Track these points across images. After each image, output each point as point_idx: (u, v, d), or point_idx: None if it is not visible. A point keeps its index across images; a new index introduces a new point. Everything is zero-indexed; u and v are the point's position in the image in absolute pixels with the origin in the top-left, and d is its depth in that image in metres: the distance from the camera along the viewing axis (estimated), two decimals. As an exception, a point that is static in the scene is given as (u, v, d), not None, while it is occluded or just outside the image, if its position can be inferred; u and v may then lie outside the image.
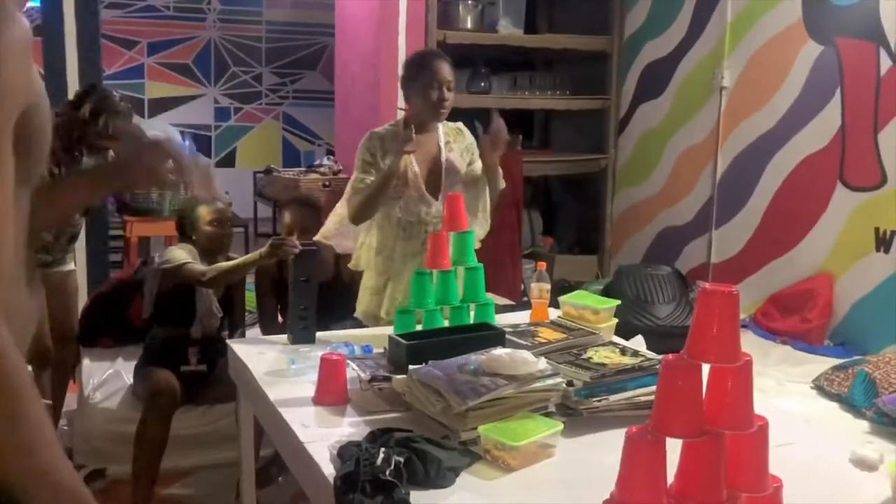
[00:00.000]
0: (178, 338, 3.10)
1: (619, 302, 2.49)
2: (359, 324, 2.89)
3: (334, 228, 3.02)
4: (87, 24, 4.52)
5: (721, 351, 1.22)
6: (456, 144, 2.89)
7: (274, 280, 3.17)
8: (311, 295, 2.47)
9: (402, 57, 4.67)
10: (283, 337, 2.51)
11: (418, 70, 2.75)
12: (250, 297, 4.02)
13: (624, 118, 5.28)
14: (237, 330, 3.30)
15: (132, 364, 3.27)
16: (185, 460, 3.14)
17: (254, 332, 3.42)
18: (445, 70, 2.73)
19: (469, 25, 4.98)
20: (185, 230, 3.19)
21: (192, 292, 3.08)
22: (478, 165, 2.90)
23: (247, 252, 6.36)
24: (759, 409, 1.27)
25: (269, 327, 3.20)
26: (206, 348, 3.12)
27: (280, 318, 3.22)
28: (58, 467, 0.90)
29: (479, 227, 2.89)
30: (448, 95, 2.74)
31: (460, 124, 2.96)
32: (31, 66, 0.97)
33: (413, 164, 2.77)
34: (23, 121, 0.95)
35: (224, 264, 2.99)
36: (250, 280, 3.44)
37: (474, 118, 5.51)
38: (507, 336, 2.17)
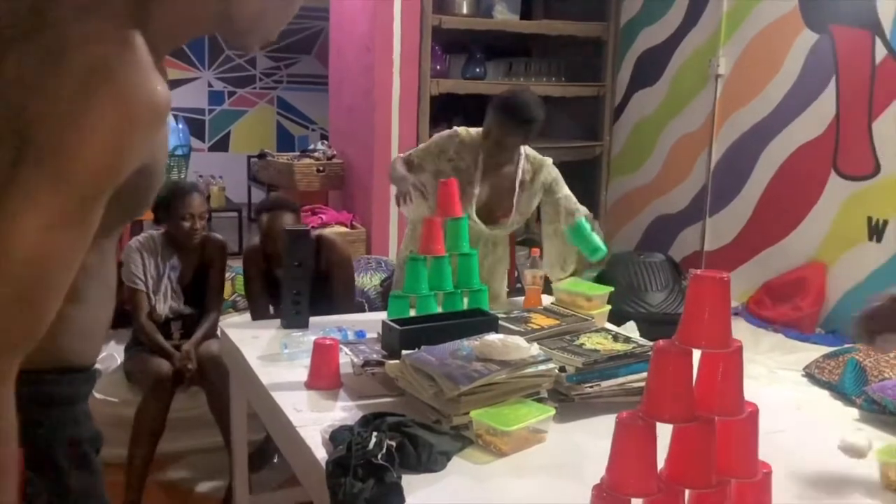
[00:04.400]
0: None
1: (612, 289, 2.50)
2: None
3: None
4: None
5: (712, 337, 1.22)
6: (537, 179, 2.77)
7: (262, 271, 3.11)
8: (304, 279, 2.47)
9: (397, 42, 4.65)
10: (276, 321, 2.51)
11: (502, 115, 2.62)
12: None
13: (619, 106, 5.27)
14: (211, 312, 3.24)
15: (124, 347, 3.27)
16: (177, 444, 3.14)
17: (245, 316, 3.41)
18: (521, 137, 2.64)
19: (465, 11, 4.95)
20: (159, 217, 3.17)
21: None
22: (564, 194, 2.79)
23: (240, 237, 6.36)
24: (749, 395, 1.28)
25: (261, 316, 3.19)
26: (190, 323, 3.13)
27: (272, 310, 3.18)
28: None
29: (556, 272, 2.81)
30: (508, 156, 2.65)
31: (547, 161, 2.82)
32: (158, 129, 0.92)
33: (476, 184, 2.69)
34: (132, 180, 0.93)
35: (152, 335, 3.02)
36: (238, 264, 3.41)
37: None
38: (500, 322, 2.17)
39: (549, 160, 2.83)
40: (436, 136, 2.78)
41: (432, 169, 2.75)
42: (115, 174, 0.88)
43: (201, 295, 3.18)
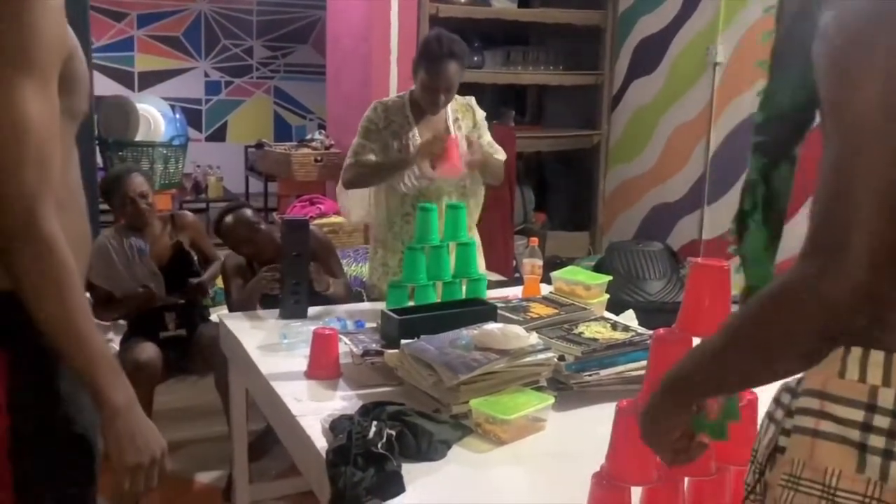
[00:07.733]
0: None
1: (610, 278, 2.50)
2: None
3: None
4: (75, -6, 4.46)
5: (712, 325, 1.22)
6: (464, 122, 2.83)
7: (242, 269, 3.02)
8: (303, 269, 2.47)
9: (394, 30, 4.64)
10: (275, 312, 2.51)
11: (425, 62, 2.64)
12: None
13: (617, 94, 5.26)
14: (214, 261, 3.24)
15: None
16: (174, 434, 3.13)
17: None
18: (449, 73, 2.62)
19: (462, -1, 4.94)
20: (111, 204, 3.15)
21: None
22: (486, 140, 2.87)
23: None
24: (748, 383, 1.28)
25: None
26: (184, 313, 3.13)
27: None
28: (94, 337, 1.12)
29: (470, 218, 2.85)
30: (444, 98, 2.68)
31: (471, 100, 2.89)
32: (65, 19, 1.11)
33: (416, 138, 2.73)
34: (67, 66, 1.12)
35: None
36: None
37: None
38: (499, 311, 2.17)
39: (473, 99, 2.90)
40: (362, 121, 2.77)
41: (379, 146, 2.73)
42: (59, 44, 1.08)
43: (187, 281, 3.16)
